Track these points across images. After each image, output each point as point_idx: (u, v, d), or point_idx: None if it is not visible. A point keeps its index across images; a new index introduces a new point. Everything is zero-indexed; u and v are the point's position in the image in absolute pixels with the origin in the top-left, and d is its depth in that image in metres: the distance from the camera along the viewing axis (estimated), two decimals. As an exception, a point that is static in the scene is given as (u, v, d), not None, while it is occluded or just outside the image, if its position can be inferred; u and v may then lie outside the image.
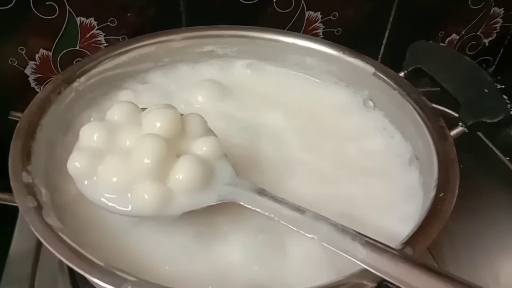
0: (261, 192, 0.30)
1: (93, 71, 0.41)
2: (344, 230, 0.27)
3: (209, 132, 0.34)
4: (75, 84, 0.39)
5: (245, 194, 0.30)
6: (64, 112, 0.38)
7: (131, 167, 0.29)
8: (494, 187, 0.52)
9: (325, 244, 0.27)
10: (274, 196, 0.30)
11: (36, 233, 0.26)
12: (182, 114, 0.33)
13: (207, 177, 0.31)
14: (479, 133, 0.55)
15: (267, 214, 0.29)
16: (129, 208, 0.29)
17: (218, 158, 0.32)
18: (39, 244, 0.40)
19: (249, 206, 0.30)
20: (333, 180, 0.37)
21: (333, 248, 0.27)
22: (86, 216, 0.32)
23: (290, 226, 0.28)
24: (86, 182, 0.30)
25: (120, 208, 0.30)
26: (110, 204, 0.30)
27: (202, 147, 0.32)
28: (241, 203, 0.30)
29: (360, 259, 0.26)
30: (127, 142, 0.31)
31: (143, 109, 0.33)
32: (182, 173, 0.30)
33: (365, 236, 0.27)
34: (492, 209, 0.49)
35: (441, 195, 0.31)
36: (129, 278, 0.24)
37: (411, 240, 0.28)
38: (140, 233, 0.32)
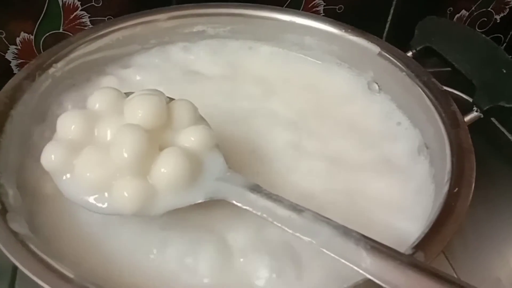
0: (255, 188, 0.27)
1: (72, 56, 0.38)
2: (346, 233, 0.24)
3: (199, 120, 0.31)
4: (51, 70, 0.36)
5: (237, 191, 0.28)
6: (38, 102, 0.35)
7: (110, 161, 0.27)
8: (507, 173, 0.50)
9: (324, 250, 0.24)
10: (269, 194, 0.27)
11: (-3, 242, 0.23)
12: (172, 99, 0.30)
13: (194, 172, 0.28)
14: (493, 119, 0.52)
15: (259, 214, 0.26)
16: (108, 207, 0.27)
17: (208, 150, 0.29)
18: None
19: (240, 205, 0.27)
20: (335, 171, 0.34)
21: (333, 255, 0.24)
22: (63, 220, 0.29)
23: (285, 229, 0.25)
24: (62, 177, 0.27)
25: (98, 206, 0.27)
26: (87, 202, 0.27)
27: (190, 137, 0.29)
28: (232, 201, 0.27)
29: (364, 268, 0.23)
30: (107, 133, 0.28)
31: (129, 94, 0.30)
32: (165, 168, 0.27)
33: (370, 239, 0.24)
34: (506, 200, 0.47)
35: (455, 191, 0.28)
36: (103, 292, 0.21)
37: (423, 244, 0.25)
38: (121, 240, 0.29)
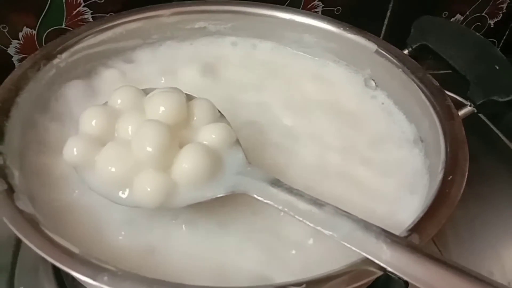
0: (275, 183, 0.28)
1: (76, 47, 0.38)
2: (367, 227, 0.25)
3: (219, 118, 0.31)
4: (55, 61, 0.37)
5: (257, 185, 0.28)
6: (43, 90, 0.35)
7: (132, 156, 0.27)
8: (499, 172, 0.51)
9: (345, 244, 0.24)
10: (289, 188, 0.27)
11: (4, 218, 0.24)
12: (191, 98, 0.31)
13: (215, 167, 0.28)
14: (483, 117, 0.53)
15: (280, 208, 0.26)
16: (130, 200, 0.28)
17: (228, 146, 0.30)
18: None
19: (261, 199, 0.27)
20: (334, 165, 0.35)
21: (354, 248, 0.24)
22: (63, 203, 0.30)
23: (307, 222, 0.25)
24: (84, 171, 0.28)
25: (121, 200, 0.28)
26: (110, 195, 0.28)
27: (210, 135, 0.29)
28: (253, 195, 0.27)
29: (385, 260, 0.23)
30: (128, 130, 0.29)
31: (148, 91, 0.31)
32: (186, 163, 0.27)
33: (390, 233, 0.24)
34: (497, 195, 0.48)
35: (449, 178, 0.28)
36: (107, 267, 0.22)
37: (418, 227, 0.25)
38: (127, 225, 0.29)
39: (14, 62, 0.50)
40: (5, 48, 0.49)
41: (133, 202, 0.27)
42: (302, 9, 0.54)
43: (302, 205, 0.26)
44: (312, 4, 0.54)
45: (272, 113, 0.39)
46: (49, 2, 0.47)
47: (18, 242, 0.37)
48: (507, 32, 0.65)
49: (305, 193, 0.27)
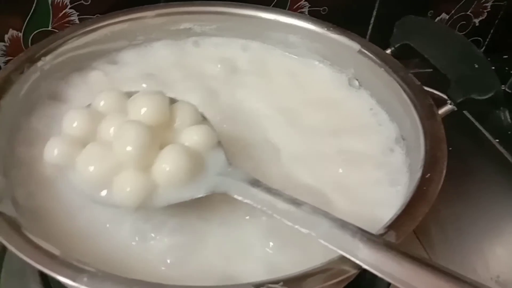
0: (255, 183, 0.28)
1: (60, 50, 0.38)
2: (343, 226, 0.25)
3: (202, 121, 0.32)
4: (39, 63, 0.37)
5: (237, 185, 0.28)
6: (27, 93, 0.35)
7: (112, 156, 0.28)
8: (483, 170, 0.51)
9: (322, 241, 0.25)
10: (269, 188, 0.28)
11: (-16, 221, 0.24)
12: (176, 101, 0.31)
13: (195, 168, 0.29)
14: (469, 115, 0.54)
15: (259, 207, 0.27)
16: (110, 200, 0.28)
17: (210, 148, 0.30)
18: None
19: (241, 198, 0.28)
20: (317, 162, 0.35)
21: (331, 246, 0.24)
22: (47, 206, 0.30)
23: (285, 221, 0.26)
24: (65, 171, 0.29)
25: (101, 199, 0.28)
26: (91, 195, 0.28)
27: (192, 136, 0.30)
28: (232, 195, 0.28)
29: (361, 258, 0.23)
30: (110, 131, 0.29)
31: (132, 94, 0.31)
32: (166, 164, 0.28)
33: (366, 232, 0.25)
34: (481, 192, 0.48)
35: (427, 176, 0.29)
36: (87, 268, 0.22)
37: (395, 224, 0.26)
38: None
39: (0, 64, 0.50)
40: (-10, 51, 0.48)
41: (113, 202, 0.28)
42: (288, 9, 0.54)
43: (280, 205, 0.27)
44: (298, 4, 0.54)
45: (255, 111, 0.39)
46: (35, 4, 0.47)
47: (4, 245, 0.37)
48: (492, 30, 0.66)
49: (283, 192, 0.27)
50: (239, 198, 0.28)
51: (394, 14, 0.58)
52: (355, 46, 0.41)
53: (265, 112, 0.39)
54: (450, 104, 0.34)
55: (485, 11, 0.63)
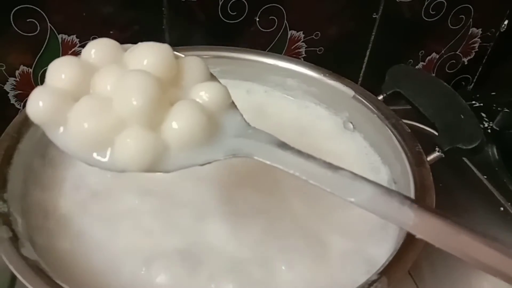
0: (282, 145, 0.24)
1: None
2: (389, 193, 0.22)
3: (212, 78, 0.27)
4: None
5: (262, 148, 0.24)
6: (42, 135, 0.37)
7: (113, 111, 0.23)
8: (472, 205, 0.53)
9: (367, 209, 0.22)
10: (299, 151, 0.24)
11: (10, 266, 0.25)
12: (180, 57, 0.27)
13: (211, 128, 0.25)
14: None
15: (291, 172, 0.23)
16: (111, 162, 0.23)
17: (224, 108, 0.26)
18: (13, 278, 0.38)
19: (269, 162, 0.24)
20: (312, 204, 0.37)
21: (377, 214, 0.22)
22: (66, 246, 0.31)
23: (323, 187, 0.23)
24: (55, 130, 0.24)
25: (100, 162, 0.24)
26: (87, 157, 0.24)
27: (204, 94, 0.25)
28: (258, 158, 0.24)
29: (412, 226, 0.22)
30: (107, 86, 0.24)
31: (128, 47, 0.27)
32: (179, 121, 0.23)
33: (414, 200, 0.23)
34: (472, 226, 0.50)
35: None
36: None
37: (386, 270, 0.28)
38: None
39: (10, 97, 0.52)
40: (1, 85, 0.50)
41: (115, 166, 0.23)
42: (287, 49, 0.57)
43: (315, 169, 0.23)
44: (296, 44, 0.57)
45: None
46: (46, 42, 0.49)
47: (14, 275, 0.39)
48: (480, 69, 0.69)
49: (316, 157, 0.24)
50: (267, 162, 0.24)
51: (387, 52, 0.61)
52: (350, 92, 0.43)
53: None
54: (438, 151, 0.37)
55: (473, 51, 0.66)
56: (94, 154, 0.24)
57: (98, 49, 0.25)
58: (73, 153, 0.24)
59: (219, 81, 0.27)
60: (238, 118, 0.26)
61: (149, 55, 0.24)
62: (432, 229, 0.22)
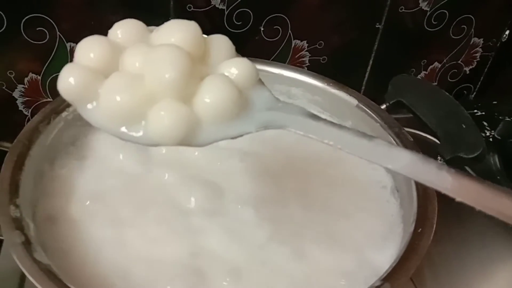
0: (314, 116, 0.25)
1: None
2: (426, 159, 0.23)
3: (238, 56, 0.28)
4: (64, 114, 0.39)
5: (294, 119, 0.25)
6: (52, 142, 0.38)
7: (144, 86, 0.23)
8: (473, 214, 0.53)
9: (406, 174, 0.23)
10: (331, 122, 0.25)
11: (24, 270, 0.26)
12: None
13: (242, 102, 0.25)
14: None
15: (326, 141, 0.24)
16: (144, 136, 0.24)
17: (252, 84, 0.26)
18: (22, 278, 0.39)
19: (302, 133, 0.24)
20: (318, 207, 0.38)
21: (415, 179, 0.23)
22: (75, 251, 0.32)
23: (360, 155, 0.23)
24: (86, 106, 0.24)
25: (133, 136, 0.24)
26: (119, 131, 0.24)
27: (234, 70, 0.25)
28: (291, 129, 0.24)
29: (451, 190, 0.22)
30: (136, 64, 0.24)
31: (152, 29, 0.27)
32: (211, 94, 0.24)
33: (451, 167, 0.23)
34: (472, 235, 0.50)
35: (419, 231, 0.32)
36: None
37: (389, 276, 0.28)
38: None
39: (18, 104, 0.52)
40: (10, 92, 0.51)
41: (149, 139, 0.24)
42: (290, 58, 0.57)
43: (349, 138, 0.24)
44: (300, 54, 0.58)
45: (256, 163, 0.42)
46: (54, 50, 0.49)
47: (23, 275, 0.39)
48: (481, 78, 0.70)
49: (348, 127, 0.25)
50: (300, 132, 0.24)
51: (389, 62, 0.62)
52: (353, 101, 0.44)
53: (264, 161, 0.42)
54: (440, 160, 0.37)
55: (474, 60, 0.67)
56: (128, 128, 0.24)
57: (125, 29, 0.26)
58: (106, 128, 0.24)
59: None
60: (267, 93, 0.27)
61: (177, 32, 0.25)
62: (470, 191, 0.22)
